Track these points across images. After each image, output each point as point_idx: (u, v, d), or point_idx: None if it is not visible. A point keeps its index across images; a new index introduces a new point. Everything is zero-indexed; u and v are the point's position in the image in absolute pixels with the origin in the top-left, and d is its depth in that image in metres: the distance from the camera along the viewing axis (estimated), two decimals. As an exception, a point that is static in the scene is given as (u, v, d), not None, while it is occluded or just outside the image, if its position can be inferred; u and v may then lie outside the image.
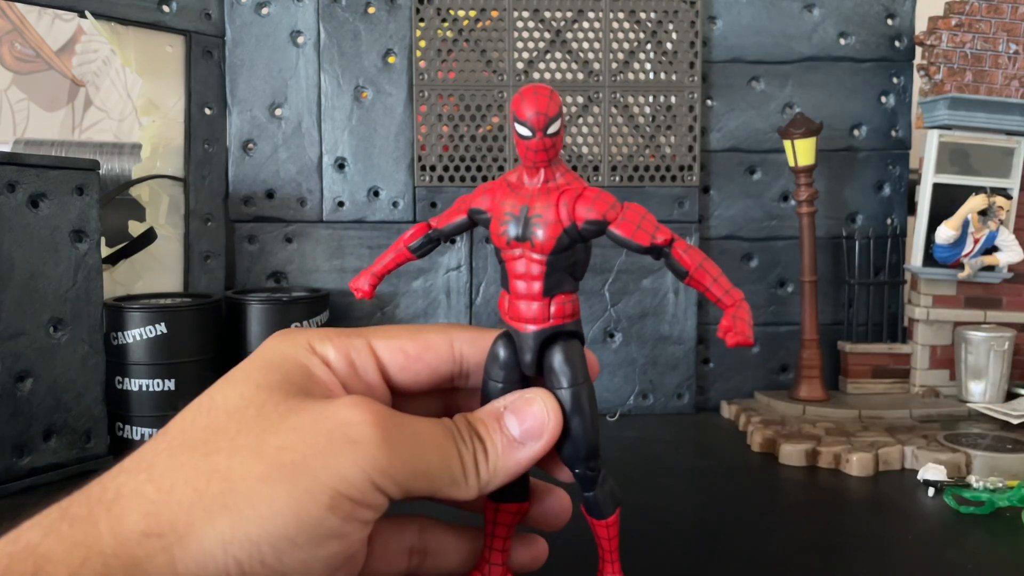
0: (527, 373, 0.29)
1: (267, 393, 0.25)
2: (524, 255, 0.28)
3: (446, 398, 0.32)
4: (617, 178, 0.69)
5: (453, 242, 0.70)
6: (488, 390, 0.30)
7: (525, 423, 0.28)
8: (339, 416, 0.24)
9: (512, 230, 0.28)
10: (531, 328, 0.29)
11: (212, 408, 0.25)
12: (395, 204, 0.70)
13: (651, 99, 0.70)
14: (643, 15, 0.69)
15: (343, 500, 0.23)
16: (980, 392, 0.66)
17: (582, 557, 0.33)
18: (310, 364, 0.27)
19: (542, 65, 0.69)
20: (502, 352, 0.29)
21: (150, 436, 0.56)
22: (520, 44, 0.68)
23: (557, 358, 0.28)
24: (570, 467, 0.29)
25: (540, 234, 0.28)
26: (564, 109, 0.28)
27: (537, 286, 0.28)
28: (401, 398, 0.30)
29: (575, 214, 0.28)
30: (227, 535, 0.22)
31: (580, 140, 0.69)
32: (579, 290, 0.30)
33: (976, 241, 0.66)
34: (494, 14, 0.68)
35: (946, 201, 0.67)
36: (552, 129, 0.27)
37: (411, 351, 0.30)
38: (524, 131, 0.27)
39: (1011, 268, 0.68)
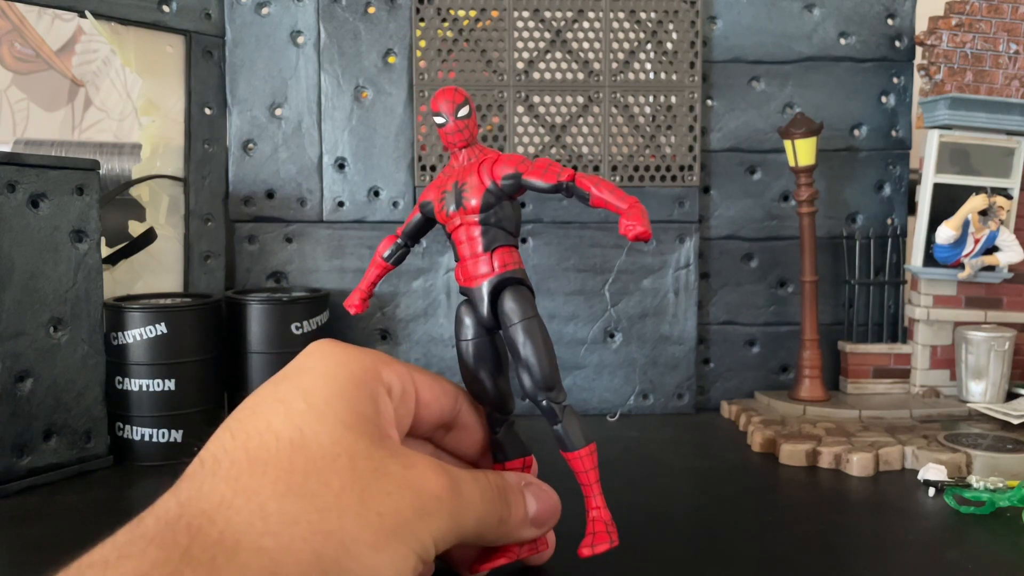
0: (487, 326, 0.34)
1: (353, 437, 0.26)
2: (463, 222, 0.34)
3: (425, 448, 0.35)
4: (617, 178, 0.69)
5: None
6: (460, 349, 0.34)
7: (541, 510, 0.32)
8: (418, 485, 0.27)
9: (450, 205, 0.34)
10: (482, 281, 0.33)
11: (305, 447, 0.25)
12: (395, 204, 0.70)
13: (651, 99, 0.70)
14: (643, 15, 0.69)
15: (420, 563, 0.26)
16: (980, 392, 0.66)
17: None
18: (378, 395, 0.29)
19: (542, 65, 0.69)
20: (465, 315, 0.34)
21: (151, 437, 0.56)
22: (520, 44, 0.68)
23: (507, 302, 0.33)
24: (533, 399, 0.33)
25: (470, 199, 0.33)
26: (472, 101, 0.35)
27: (478, 244, 0.33)
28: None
29: (494, 175, 0.33)
30: None
31: (580, 140, 0.69)
32: (518, 246, 0.35)
33: (976, 241, 0.66)
34: (494, 14, 0.68)
35: (946, 201, 0.67)
36: (462, 113, 0.34)
37: (436, 391, 0.32)
38: (440, 119, 0.34)
39: (1011, 268, 0.68)
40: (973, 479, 0.49)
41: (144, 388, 0.56)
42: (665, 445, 0.61)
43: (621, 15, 0.68)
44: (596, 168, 0.69)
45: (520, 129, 0.69)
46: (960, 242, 0.66)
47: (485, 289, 0.33)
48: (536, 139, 0.69)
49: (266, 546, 0.23)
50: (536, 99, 0.69)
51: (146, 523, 0.23)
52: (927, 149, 0.67)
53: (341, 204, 0.70)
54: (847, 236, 0.72)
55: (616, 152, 0.69)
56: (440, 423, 0.33)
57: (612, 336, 0.71)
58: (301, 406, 0.27)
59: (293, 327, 0.61)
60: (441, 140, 0.34)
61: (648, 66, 0.69)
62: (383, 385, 0.29)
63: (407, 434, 0.32)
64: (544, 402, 0.33)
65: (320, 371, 0.28)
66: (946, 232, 0.66)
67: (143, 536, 0.22)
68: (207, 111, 0.69)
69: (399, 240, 0.38)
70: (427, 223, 0.37)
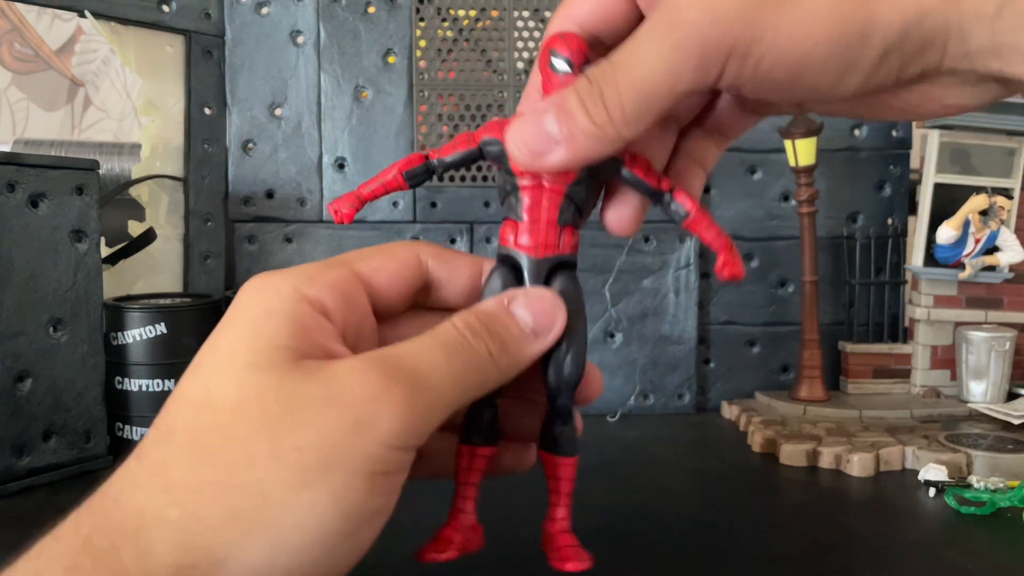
0: None
1: (260, 376, 0.23)
2: (546, 185, 0.29)
3: (420, 318, 0.31)
4: (617, 178, 0.69)
5: (453, 240, 0.70)
6: None
7: (538, 316, 0.28)
8: (343, 398, 0.23)
9: None
10: (542, 254, 0.30)
11: (210, 405, 0.23)
12: (395, 204, 0.70)
13: (651, 99, 0.70)
14: (643, 15, 0.69)
15: (379, 478, 0.23)
16: (981, 392, 0.66)
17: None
18: (297, 314, 0.25)
19: (542, 65, 0.68)
20: (499, 282, 0.30)
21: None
22: (520, 44, 0.68)
23: (559, 285, 0.30)
24: (555, 396, 0.30)
25: None
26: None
27: (553, 214, 0.29)
28: (382, 321, 0.30)
29: None
30: (271, 550, 0.21)
31: (580, 140, 0.69)
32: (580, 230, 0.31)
33: (977, 241, 0.66)
34: (494, 14, 0.68)
35: (947, 201, 0.67)
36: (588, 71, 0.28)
37: (391, 269, 0.29)
38: (562, 65, 0.27)
39: (1012, 268, 0.67)
40: (974, 479, 0.49)
41: (144, 388, 0.56)
42: (665, 445, 0.61)
43: (621, 15, 0.68)
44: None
45: (520, 129, 0.69)
46: (961, 242, 0.66)
47: (543, 265, 0.30)
48: (536, 139, 0.69)
49: (172, 518, 0.21)
50: (536, 99, 0.69)
51: (58, 522, 0.22)
52: (928, 149, 0.67)
53: (341, 204, 0.70)
54: (847, 236, 0.72)
55: (616, 152, 0.69)
56: (414, 292, 0.30)
57: (612, 336, 0.71)
58: (208, 362, 0.25)
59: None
60: (542, 88, 0.28)
61: (648, 66, 0.69)
62: (309, 303, 0.26)
63: (385, 317, 0.29)
64: (561, 401, 0.30)
65: (230, 318, 0.26)
66: (947, 232, 0.66)
67: (52, 535, 0.22)
68: (207, 111, 0.69)
69: (431, 163, 0.31)
70: (475, 157, 0.31)
